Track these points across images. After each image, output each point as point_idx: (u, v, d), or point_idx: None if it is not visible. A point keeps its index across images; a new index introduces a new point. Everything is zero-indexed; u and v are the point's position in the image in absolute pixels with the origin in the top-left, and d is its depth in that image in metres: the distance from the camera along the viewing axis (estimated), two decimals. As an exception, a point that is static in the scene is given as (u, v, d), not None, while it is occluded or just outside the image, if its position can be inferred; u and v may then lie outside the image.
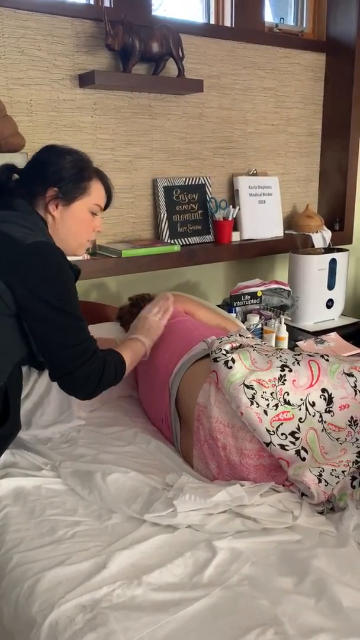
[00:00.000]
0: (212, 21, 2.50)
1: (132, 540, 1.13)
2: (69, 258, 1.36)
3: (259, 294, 2.23)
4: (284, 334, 2.10)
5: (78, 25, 2.07)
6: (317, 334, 2.37)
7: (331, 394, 1.31)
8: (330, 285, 2.54)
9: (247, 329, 2.03)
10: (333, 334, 2.29)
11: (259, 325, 2.12)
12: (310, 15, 2.78)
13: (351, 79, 2.71)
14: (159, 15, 2.28)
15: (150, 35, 2.12)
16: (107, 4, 2.17)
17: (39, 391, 1.65)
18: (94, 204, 1.44)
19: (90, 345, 1.31)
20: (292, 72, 2.69)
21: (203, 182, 2.47)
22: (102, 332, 1.90)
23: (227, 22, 2.49)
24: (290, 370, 1.32)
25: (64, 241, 1.41)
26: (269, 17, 2.66)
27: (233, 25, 2.47)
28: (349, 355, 2.05)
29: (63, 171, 1.38)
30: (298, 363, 1.34)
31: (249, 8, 2.48)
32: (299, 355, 1.38)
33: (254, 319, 2.12)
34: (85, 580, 1.02)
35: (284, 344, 2.10)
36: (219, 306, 2.19)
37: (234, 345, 1.43)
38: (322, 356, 1.37)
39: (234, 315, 2.13)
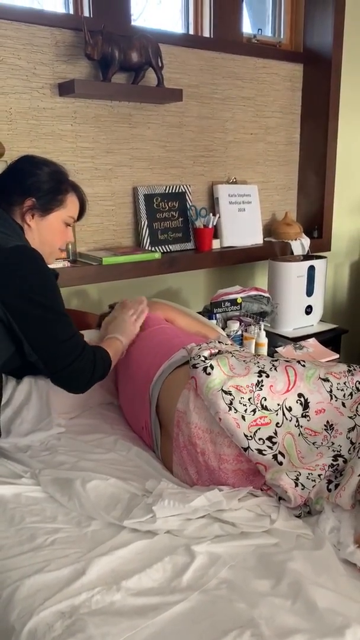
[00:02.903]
0: (191, 31, 2.54)
1: (111, 546, 1.13)
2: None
3: (239, 300, 2.25)
4: (264, 340, 2.12)
5: (57, 35, 2.09)
6: (296, 340, 2.39)
7: (307, 398, 1.33)
8: (309, 292, 2.58)
9: (228, 335, 2.05)
10: (312, 340, 2.32)
11: (239, 332, 2.14)
12: (288, 27, 2.83)
13: (328, 89, 2.77)
14: (138, 26, 2.31)
15: (129, 45, 2.14)
16: (86, 13, 2.19)
17: (19, 399, 1.65)
18: (68, 216, 1.50)
19: (79, 339, 1.38)
20: (271, 82, 2.74)
21: (183, 190, 2.50)
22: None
23: (206, 33, 2.52)
24: (268, 376, 1.34)
25: (37, 249, 1.42)
26: (247, 27, 2.70)
27: (212, 36, 2.50)
28: (326, 361, 2.08)
29: (41, 183, 1.43)
30: (275, 369, 1.36)
31: (227, 19, 2.52)
32: (276, 361, 1.40)
33: (234, 326, 2.14)
34: (65, 586, 1.02)
35: (264, 350, 2.13)
36: (199, 313, 2.21)
37: (213, 351, 1.44)
38: (298, 362, 1.40)
39: (214, 322, 2.15)
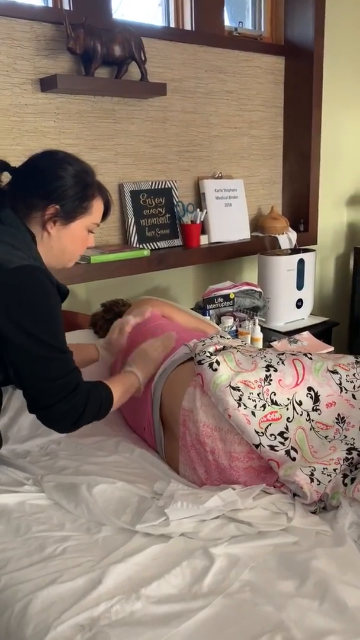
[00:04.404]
0: (172, 25, 2.50)
1: (125, 552, 1.09)
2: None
3: (232, 296, 2.23)
4: (259, 335, 2.10)
5: (38, 29, 2.03)
6: (289, 334, 2.37)
7: (317, 392, 1.31)
8: (299, 286, 2.56)
9: (223, 330, 2.02)
10: (306, 333, 2.30)
11: (234, 327, 2.11)
12: (268, 19, 2.81)
13: (310, 81, 2.75)
14: (119, 19, 2.26)
15: (111, 39, 2.09)
16: (66, 6, 2.13)
17: (15, 406, 1.59)
18: (93, 223, 1.36)
19: (72, 379, 1.22)
20: (253, 75, 2.71)
21: (169, 186, 2.46)
22: (74, 340, 1.85)
23: (187, 26, 2.49)
24: (276, 370, 1.31)
25: (56, 257, 1.34)
26: (226, 20, 2.67)
27: (193, 29, 2.47)
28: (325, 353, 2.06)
29: (67, 188, 1.27)
30: (282, 362, 1.33)
31: (208, 12, 2.48)
32: (282, 354, 1.37)
33: (228, 321, 2.11)
34: (81, 598, 0.98)
35: (259, 345, 2.10)
36: (192, 309, 2.18)
37: (218, 347, 1.41)
38: (305, 354, 1.37)
39: (208, 318, 2.12)
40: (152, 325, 1.62)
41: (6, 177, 1.34)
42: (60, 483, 1.31)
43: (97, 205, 1.35)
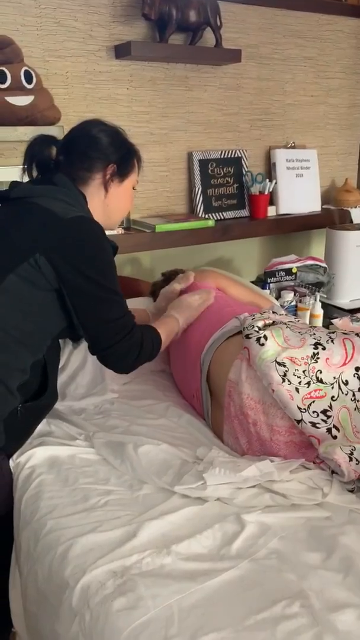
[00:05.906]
0: (252, -12, 2.43)
1: (162, 510, 1.15)
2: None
3: (294, 270, 2.20)
4: (319, 311, 2.07)
5: (114, -6, 2.05)
6: (353, 312, 2.32)
7: (365, 372, 1.29)
8: (368, 262, 2.49)
9: (281, 306, 2.01)
10: (369, 312, 2.24)
11: (293, 302, 2.10)
12: (355, -21, 2.67)
13: None
14: (197, -17, 2.22)
15: (187, 4, 2.07)
16: (143, -29, 2.12)
17: (74, 364, 1.68)
18: (136, 180, 1.49)
19: (129, 320, 1.33)
20: (334, 40, 2.60)
21: (239, 155, 2.43)
22: (134, 306, 1.91)
23: (268, -12, 2.41)
24: (324, 348, 1.31)
25: (109, 216, 1.44)
26: (311, -18, 2.56)
27: (273, -9, 2.39)
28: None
29: (115, 149, 1.39)
30: (332, 341, 1.33)
31: (290, -27, 2.39)
32: (333, 333, 1.36)
33: (288, 296, 2.09)
34: (116, 547, 1.05)
35: (319, 322, 2.08)
36: (252, 282, 2.18)
37: (267, 322, 1.42)
38: (357, 334, 1.35)
39: (267, 291, 2.12)
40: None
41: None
42: (109, 440, 1.39)
43: (136, 163, 1.47)
